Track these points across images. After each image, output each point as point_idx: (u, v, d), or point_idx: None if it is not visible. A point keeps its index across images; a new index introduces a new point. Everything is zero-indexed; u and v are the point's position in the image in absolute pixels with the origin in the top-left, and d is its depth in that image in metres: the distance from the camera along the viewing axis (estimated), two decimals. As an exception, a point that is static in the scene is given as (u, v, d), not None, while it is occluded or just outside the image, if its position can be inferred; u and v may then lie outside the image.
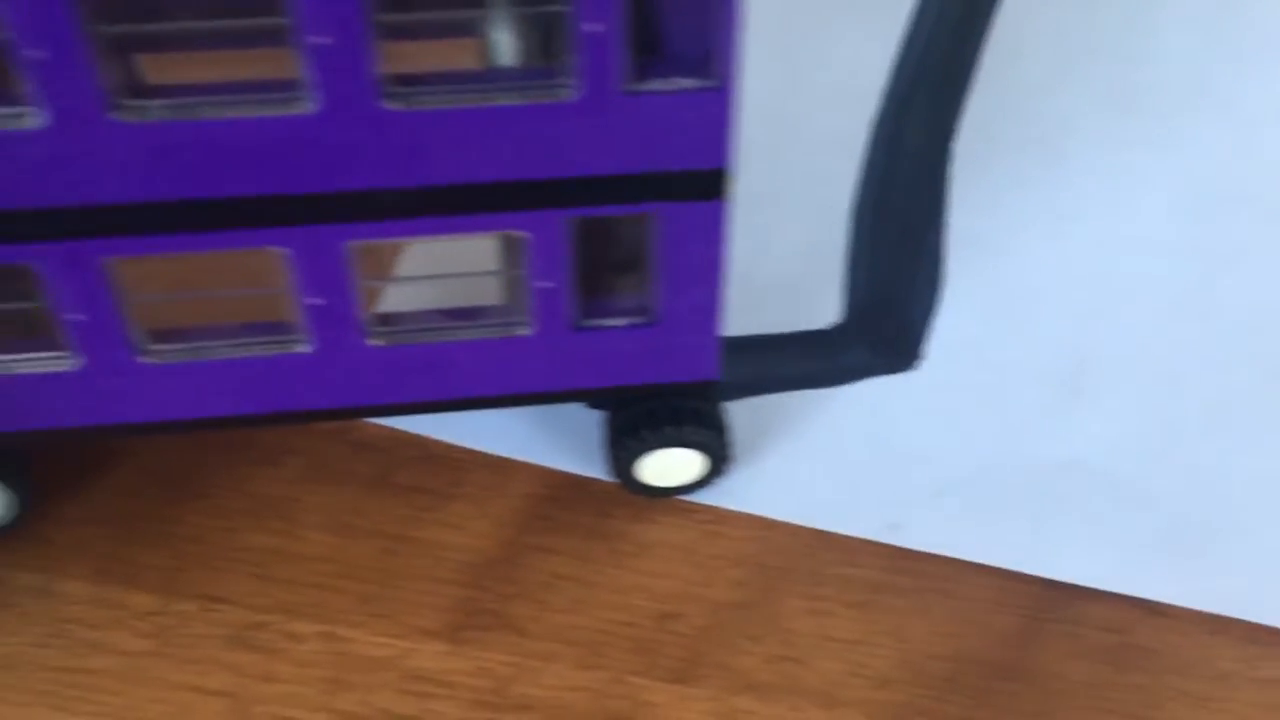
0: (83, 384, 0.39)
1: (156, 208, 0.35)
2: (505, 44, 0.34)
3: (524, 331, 0.40)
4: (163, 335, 0.39)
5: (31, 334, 0.39)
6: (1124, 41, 0.62)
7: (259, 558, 0.44)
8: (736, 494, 0.46)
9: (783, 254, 0.52)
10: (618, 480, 0.45)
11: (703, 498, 0.46)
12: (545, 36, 0.34)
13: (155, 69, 0.34)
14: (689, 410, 0.43)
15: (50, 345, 0.38)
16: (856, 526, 0.45)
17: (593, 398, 0.43)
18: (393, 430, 0.48)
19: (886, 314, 0.46)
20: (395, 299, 0.43)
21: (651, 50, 0.34)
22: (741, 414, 0.47)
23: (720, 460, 0.44)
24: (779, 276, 0.51)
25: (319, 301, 0.38)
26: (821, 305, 0.47)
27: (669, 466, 0.44)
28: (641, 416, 0.43)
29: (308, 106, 0.33)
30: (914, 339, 0.48)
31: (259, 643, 0.42)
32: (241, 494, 0.46)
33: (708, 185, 0.36)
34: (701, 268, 0.38)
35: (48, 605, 0.43)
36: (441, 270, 0.40)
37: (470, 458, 0.47)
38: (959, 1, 0.37)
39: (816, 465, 0.47)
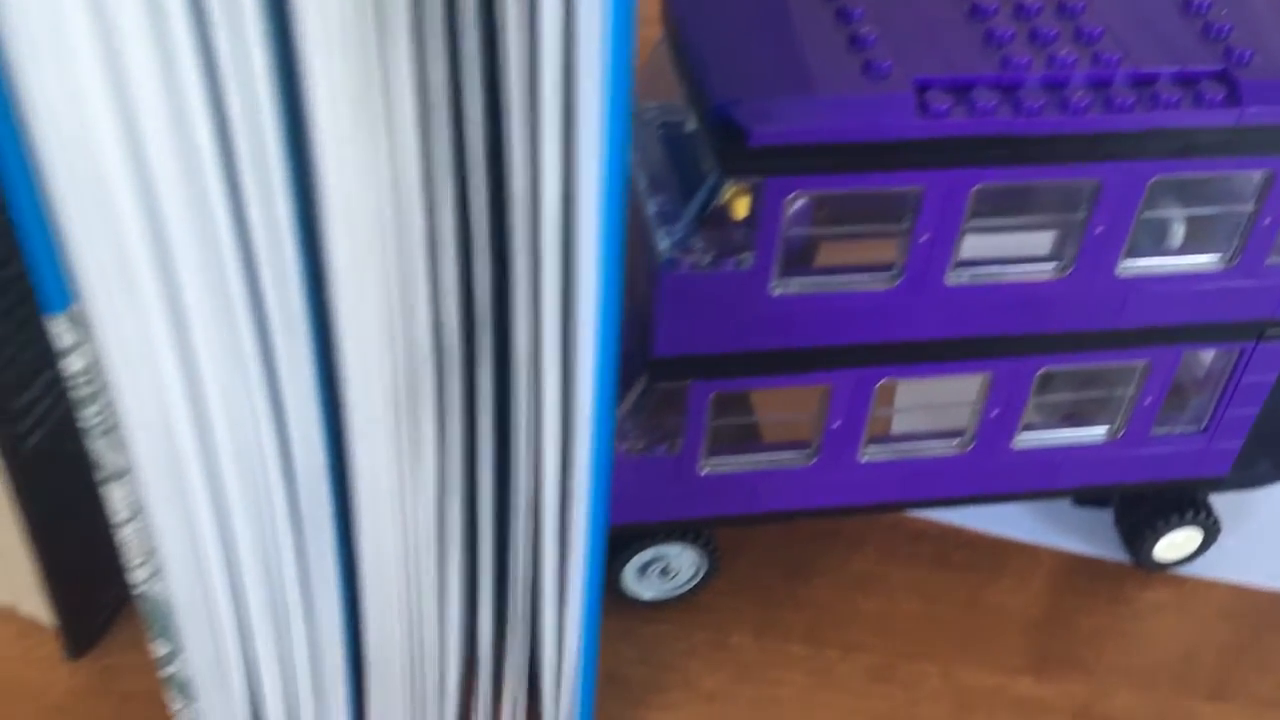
0: (808, 476, 0.53)
1: (927, 344, 0.49)
2: (1176, 230, 0.50)
3: (1119, 436, 0.54)
4: (873, 439, 0.53)
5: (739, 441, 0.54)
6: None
7: (874, 618, 0.58)
8: (1212, 564, 0.60)
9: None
10: (1133, 556, 0.59)
11: (1187, 570, 0.60)
12: (1201, 228, 0.50)
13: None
14: (1202, 500, 0.58)
15: (778, 448, 0.52)
16: (1306, 589, 0.60)
17: (1128, 491, 0.58)
18: (935, 522, 0.62)
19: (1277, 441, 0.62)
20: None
21: None
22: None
23: (1212, 539, 0.59)
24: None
25: (995, 413, 0.52)
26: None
27: (1174, 544, 0.59)
28: (1168, 505, 0.58)
29: (1062, 273, 0.48)
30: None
31: (895, 678, 0.56)
32: (844, 571, 0.59)
33: (1288, 330, 0.52)
34: (1258, 390, 0.53)
35: (727, 655, 0.56)
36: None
37: (1003, 543, 0.61)
38: None
39: (1266, 543, 0.61)
